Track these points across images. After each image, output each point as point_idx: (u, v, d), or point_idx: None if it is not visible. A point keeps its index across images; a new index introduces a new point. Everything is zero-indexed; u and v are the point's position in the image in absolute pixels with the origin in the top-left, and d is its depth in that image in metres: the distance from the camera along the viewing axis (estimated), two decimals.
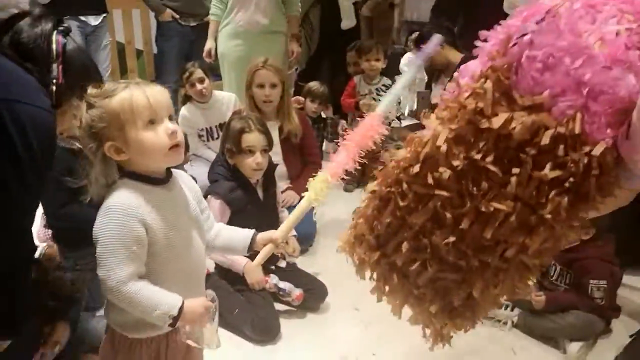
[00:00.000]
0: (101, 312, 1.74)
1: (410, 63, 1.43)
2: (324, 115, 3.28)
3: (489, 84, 0.72)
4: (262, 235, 1.28)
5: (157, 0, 3.49)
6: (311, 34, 3.67)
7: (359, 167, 3.46)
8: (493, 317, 1.90)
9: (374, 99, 3.04)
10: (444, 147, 0.74)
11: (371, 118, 1.23)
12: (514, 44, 0.71)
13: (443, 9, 3.97)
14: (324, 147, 3.46)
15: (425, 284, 0.85)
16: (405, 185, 0.80)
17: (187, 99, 2.93)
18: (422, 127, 3.03)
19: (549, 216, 0.71)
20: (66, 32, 1.06)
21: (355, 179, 3.15)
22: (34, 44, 1.00)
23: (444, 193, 0.76)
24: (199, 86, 2.84)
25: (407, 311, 0.97)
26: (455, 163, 0.74)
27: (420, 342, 1.00)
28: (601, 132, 0.68)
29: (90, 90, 1.04)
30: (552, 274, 1.91)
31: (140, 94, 1.02)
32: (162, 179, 1.11)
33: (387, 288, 0.94)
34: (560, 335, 1.80)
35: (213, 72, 4.22)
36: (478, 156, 0.72)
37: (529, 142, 0.70)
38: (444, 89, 3.18)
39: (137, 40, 4.09)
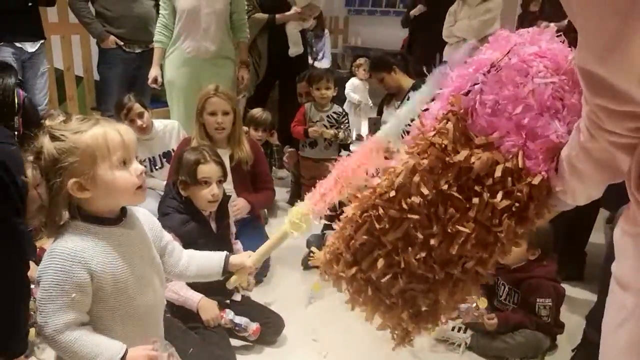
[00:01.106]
0: None
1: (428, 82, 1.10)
2: (270, 142, 3.27)
3: (450, 125, 0.85)
4: (235, 260, 1.29)
5: (100, 27, 3.35)
6: (259, 61, 3.68)
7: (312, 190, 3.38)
8: (447, 340, 1.94)
9: (325, 126, 3.07)
10: (416, 178, 0.86)
11: (371, 144, 1.13)
12: (468, 92, 0.84)
13: None
14: (272, 174, 3.45)
15: (397, 294, 0.96)
16: (381, 210, 0.91)
17: None
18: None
19: (502, 235, 0.85)
20: (21, 85, 1.10)
21: None
22: (1, 97, 1.06)
23: (415, 216, 0.87)
24: (139, 122, 2.72)
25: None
26: (425, 191, 0.85)
27: None
28: (538, 166, 0.82)
29: (51, 122, 1.01)
30: (501, 294, 1.99)
31: (114, 131, 1.01)
32: (115, 219, 1.08)
33: (361, 299, 1.04)
34: (510, 355, 1.87)
35: (158, 99, 4.14)
36: (445, 186, 0.84)
37: (485, 175, 0.83)
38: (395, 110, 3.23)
39: (77, 66, 3.94)
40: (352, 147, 3.78)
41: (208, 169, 1.83)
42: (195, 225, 1.82)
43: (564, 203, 0.86)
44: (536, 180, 0.81)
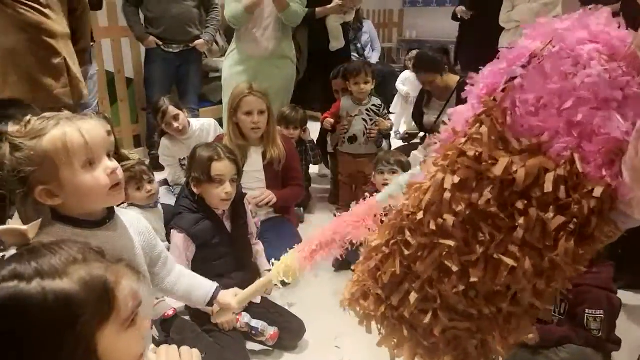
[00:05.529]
0: None
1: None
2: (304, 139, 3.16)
3: (484, 129, 0.71)
4: (222, 298, 1.29)
5: (141, 28, 3.56)
6: (299, 56, 3.59)
7: (350, 188, 3.18)
8: None
9: (364, 119, 2.94)
10: (447, 195, 0.73)
11: (368, 205, 1.08)
12: (504, 88, 0.71)
13: None
14: (310, 171, 3.35)
15: (439, 334, 0.83)
16: (408, 233, 0.79)
17: (165, 132, 2.89)
18: (414, 146, 2.85)
19: (558, 259, 0.71)
20: None
21: (345, 201, 3.04)
22: None
23: (449, 242, 0.74)
24: (175, 124, 2.78)
25: None
26: (458, 209, 0.72)
27: None
28: (598, 171, 0.68)
29: (12, 127, 0.96)
30: None
31: (74, 132, 0.95)
32: (98, 221, 1.04)
33: (395, 341, 0.93)
34: None
35: (206, 99, 4.20)
36: (482, 202, 0.71)
37: (532, 186, 0.70)
38: (438, 114, 3.02)
39: (127, 69, 4.07)
40: (393, 142, 3.62)
41: (222, 167, 1.76)
42: (208, 224, 1.76)
43: (630, 218, 0.72)
44: (597, 191, 0.68)
